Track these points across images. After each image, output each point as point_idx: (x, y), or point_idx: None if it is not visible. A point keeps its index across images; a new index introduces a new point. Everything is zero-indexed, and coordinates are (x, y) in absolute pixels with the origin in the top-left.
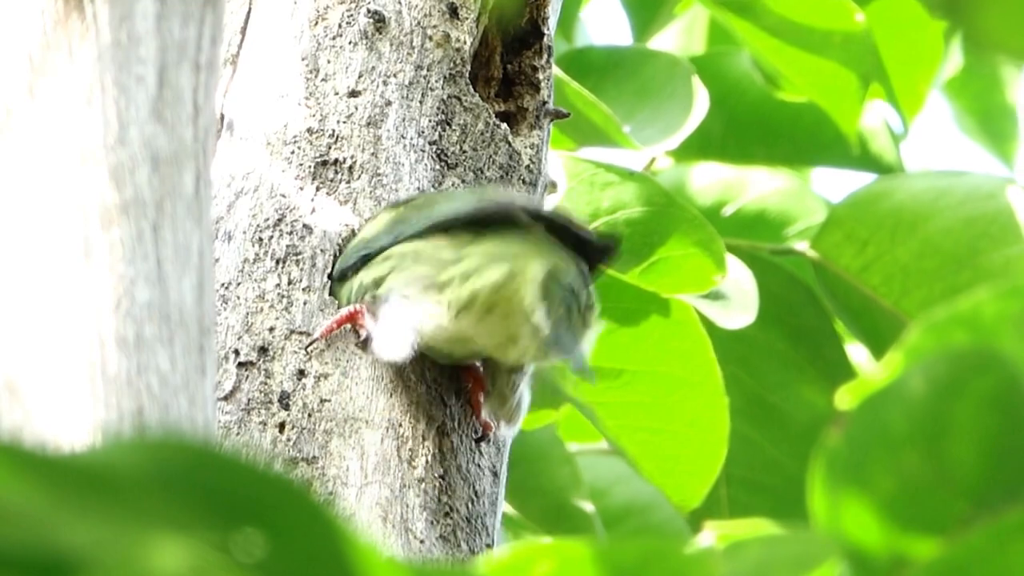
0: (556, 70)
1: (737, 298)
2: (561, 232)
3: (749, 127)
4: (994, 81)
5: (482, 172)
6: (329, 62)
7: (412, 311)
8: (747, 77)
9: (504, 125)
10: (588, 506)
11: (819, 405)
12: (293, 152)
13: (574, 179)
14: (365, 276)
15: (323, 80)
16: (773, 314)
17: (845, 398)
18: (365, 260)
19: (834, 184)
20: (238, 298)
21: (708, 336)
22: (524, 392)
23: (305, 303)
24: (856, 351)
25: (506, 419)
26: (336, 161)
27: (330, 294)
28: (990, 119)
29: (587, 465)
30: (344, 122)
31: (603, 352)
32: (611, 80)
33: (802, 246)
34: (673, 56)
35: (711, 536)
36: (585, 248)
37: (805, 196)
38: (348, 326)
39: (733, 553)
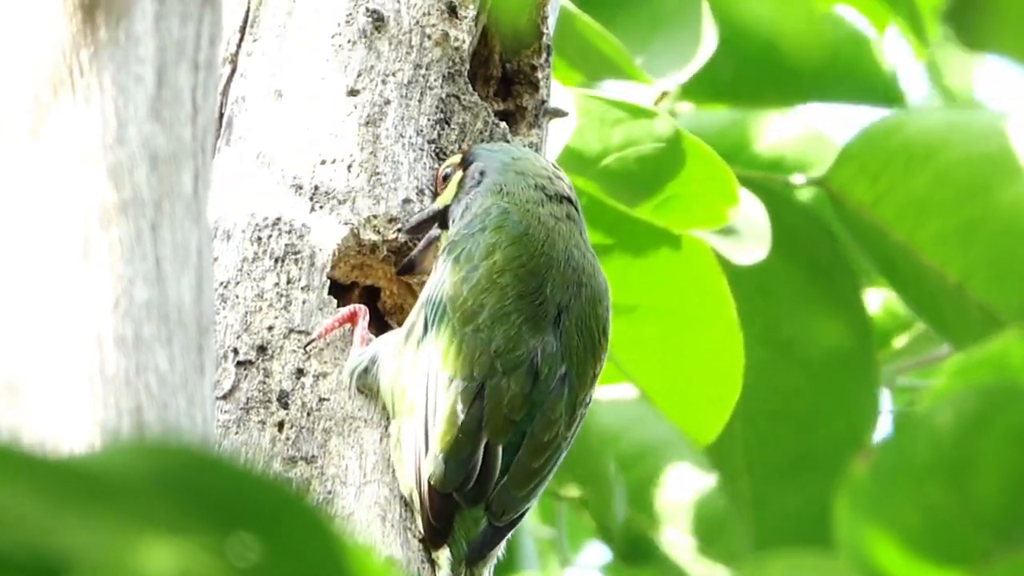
0: (566, 1)
1: (750, 233)
2: None
3: (760, 66)
4: None
5: None
6: (328, 60)
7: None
8: None
9: (503, 124)
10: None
11: (831, 338)
12: (292, 151)
13: (585, 116)
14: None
15: (322, 79)
16: (789, 248)
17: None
18: None
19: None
20: (237, 297)
21: (725, 269)
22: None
23: (304, 302)
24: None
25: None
26: (335, 160)
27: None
28: None
29: (599, 411)
30: (343, 121)
31: (617, 287)
32: (624, 11)
33: (815, 179)
34: None
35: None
36: None
37: (821, 141)
38: (348, 325)
39: None
